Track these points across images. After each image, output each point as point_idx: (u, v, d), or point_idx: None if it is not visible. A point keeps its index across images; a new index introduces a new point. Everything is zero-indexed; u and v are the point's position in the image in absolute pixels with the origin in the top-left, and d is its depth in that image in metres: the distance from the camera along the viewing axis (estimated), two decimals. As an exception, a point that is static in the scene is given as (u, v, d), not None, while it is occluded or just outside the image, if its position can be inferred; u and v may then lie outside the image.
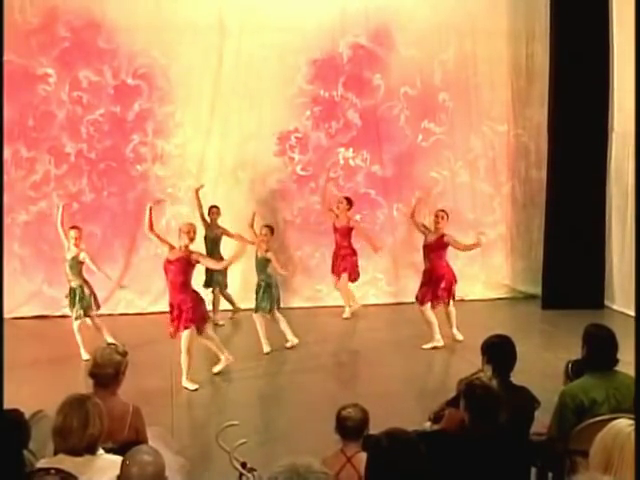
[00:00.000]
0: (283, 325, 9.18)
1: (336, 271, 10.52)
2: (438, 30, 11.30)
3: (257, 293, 9.04)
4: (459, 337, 9.29)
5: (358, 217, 11.27)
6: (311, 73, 11.20)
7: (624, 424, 3.14)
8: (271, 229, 9.18)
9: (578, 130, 10.60)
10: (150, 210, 8.22)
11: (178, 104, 10.99)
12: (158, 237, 8.20)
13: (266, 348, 8.99)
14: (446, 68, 11.40)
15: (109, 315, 10.76)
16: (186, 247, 7.88)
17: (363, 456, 4.08)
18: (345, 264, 10.42)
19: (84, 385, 4.76)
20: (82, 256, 8.85)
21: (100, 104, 10.85)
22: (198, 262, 7.99)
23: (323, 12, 11.09)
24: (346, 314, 10.62)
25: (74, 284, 8.85)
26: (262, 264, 9.04)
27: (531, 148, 11.68)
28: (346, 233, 10.38)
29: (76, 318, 8.83)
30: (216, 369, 8.28)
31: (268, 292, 8.99)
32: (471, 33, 11.40)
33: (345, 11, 11.16)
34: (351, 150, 11.38)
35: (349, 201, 10.42)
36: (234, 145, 11.12)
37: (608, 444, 3.08)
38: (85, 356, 8.65)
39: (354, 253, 10.48)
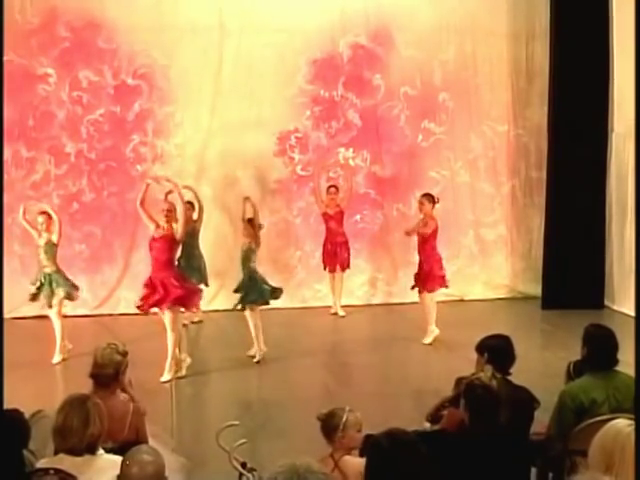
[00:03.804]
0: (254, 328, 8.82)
1: (337, 261, 10.55)
2: (438, 30, 11.29)
3: (241, 288, 8.72)
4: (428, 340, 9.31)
5: (358, 217, 11.29)
6: (311, 73, 11.20)
7: (623, 424, 3.13)
8: (250, 222, 8.81)
9: (578, 130, 10.59)
10: (147, 186, 8.40)
11: (178, 104, 10.99)
12: (147, 213, 8.30)
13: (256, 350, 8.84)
14: (446, 68, 11.39)
15: (109, 315, 10.81)
16: (170, 226, 8.09)
17: (347, 459, 4.14)
18: (343, 253, 10.53)
19: (84, 385, 4.75)
20: (55, 237, 8.79)
21: (100, 104, 10.86)
22: (181, 236, 8.20)
23: (323, 12, 11.09)
24: (336, 310, 10.65)
25: (49, 270, 8.75)
26: (244, 257, 8.73)
27: (531, 148, 11.67)
28: (340, 219, 10.52)
29: (50, 305, 8.75)
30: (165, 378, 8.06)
31: (253, 284, 8.69)
32: (471, 33, 11.40)
33: (345, 11, 11.15)
34: (351, 150, 11.38)
35: (336, 188, 10.57)
36: (234, 145, 11.11)
37: (608, 445, 3.07)
38: (57, 358, 8.75)
39: (347, 240, 10.63)
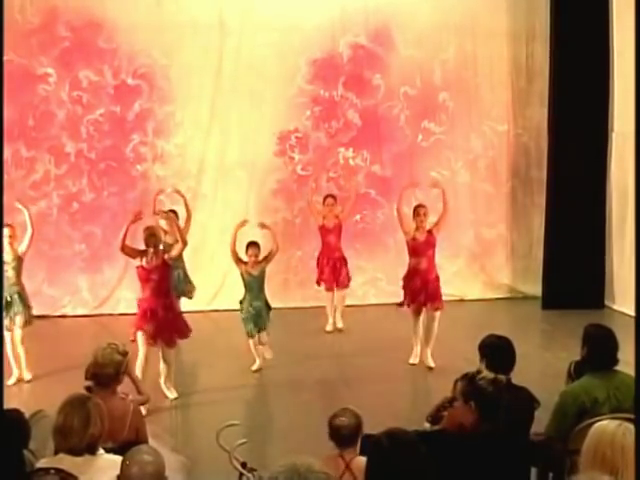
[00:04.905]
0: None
1: (335, 278, 10.06)
2: (438, 30, 11.30)
3: (260, 315, 8.46)
4: (431, 363, 8.60)
5: (358, 217, 11.28)
6: (311, 73, 11.20)
7: (614, 425, 3.13)
8: (258, 246, 8.48)
9: (578, 130, 10.60)
10: (127, 228, 7.53)
11: (178, 104, 11.00)
12: (130, 254, 7.67)
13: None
14: (446, 68, 11.40)
15: (109, 315, 10.81)
16: (157, 253, 7.54)
17: (360, 460, 4.06)
18: (342, 269, 10.06)
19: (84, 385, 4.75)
20: (21, 250, 8.00)
21: (100, 104, 10.86)
22: (172, 258, 7.66)
23: (323, 12, 11.10)
24: (330, 327, 10.25)
25: (16, 288, 7.96)
26: (261, 281, 8.50)
27: (531, 148, 11.68)
28: (339, 233, 10.04)
29: (10, 329, 7.94)
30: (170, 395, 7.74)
31: (265, 307, 8.56)
32: (471, 33, 11.40)
33: (345, 11, 11.16)
34: (351, 150, 11.38)
35: (334, 198, 10.09)
36: (234, 145, 11.12)
37: (607, 448, 3.06)
38: (28, 375, 8.04)
39: (344, 256, 10.15)
